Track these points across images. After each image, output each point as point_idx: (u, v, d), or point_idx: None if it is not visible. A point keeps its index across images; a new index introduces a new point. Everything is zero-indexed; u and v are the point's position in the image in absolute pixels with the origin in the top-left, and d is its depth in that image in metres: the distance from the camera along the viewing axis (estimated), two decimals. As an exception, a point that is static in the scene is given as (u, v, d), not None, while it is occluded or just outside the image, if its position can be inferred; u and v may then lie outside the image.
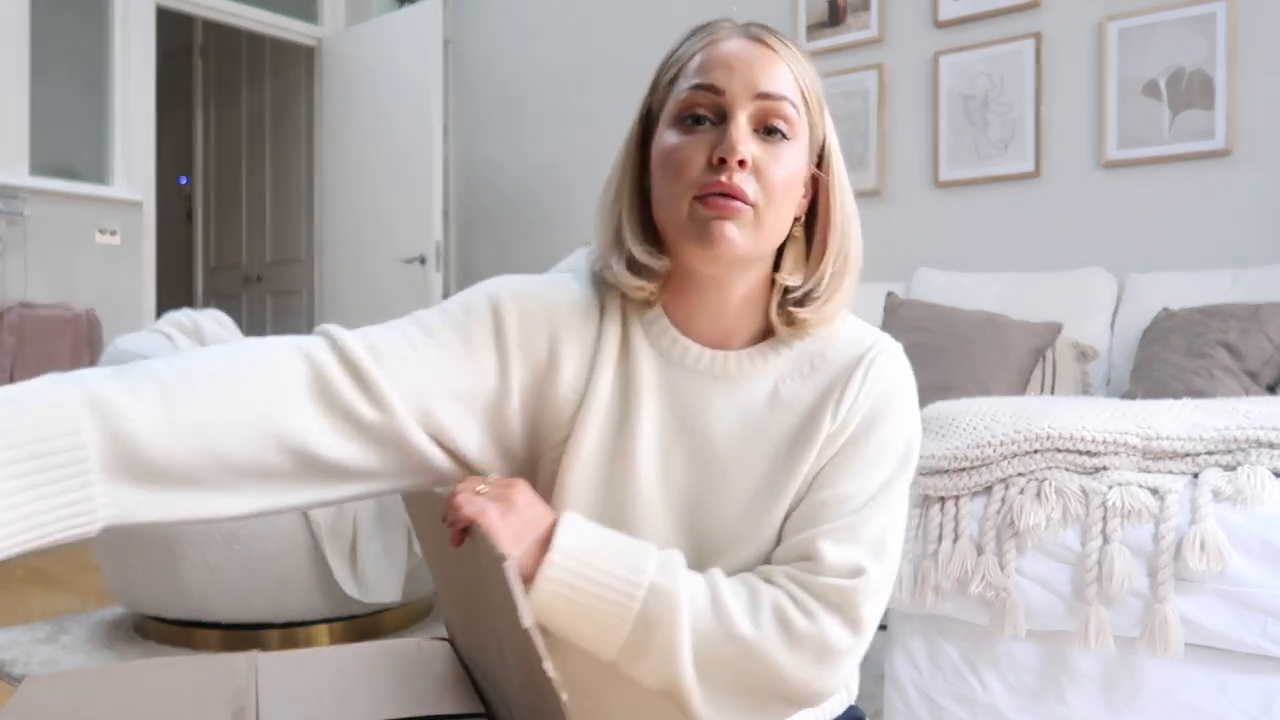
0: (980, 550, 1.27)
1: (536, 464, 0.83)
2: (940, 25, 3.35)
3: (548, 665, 0.61)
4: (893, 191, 3.48)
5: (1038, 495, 1.25)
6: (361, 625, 2.29)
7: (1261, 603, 1.12)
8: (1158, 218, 2.97)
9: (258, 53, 5.21)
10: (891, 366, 0.82)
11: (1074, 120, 3.11)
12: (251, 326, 5.20)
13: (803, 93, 0.78)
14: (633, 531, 0.79)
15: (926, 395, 2.56)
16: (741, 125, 0.75)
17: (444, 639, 1.11)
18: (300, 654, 1.03)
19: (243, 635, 2.19)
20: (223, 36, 5.38)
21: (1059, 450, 1.27)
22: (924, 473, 1.33)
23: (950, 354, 2.69)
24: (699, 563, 0.80)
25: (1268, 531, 1.13)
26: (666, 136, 0.77)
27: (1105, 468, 1.26)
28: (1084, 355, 2.74)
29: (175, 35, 5.44)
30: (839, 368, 0.81)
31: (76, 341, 3.56)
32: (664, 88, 0.80)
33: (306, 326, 4.92)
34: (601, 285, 0.83)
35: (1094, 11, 3.06)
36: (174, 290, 5.46)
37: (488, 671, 0.88)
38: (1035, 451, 1.28)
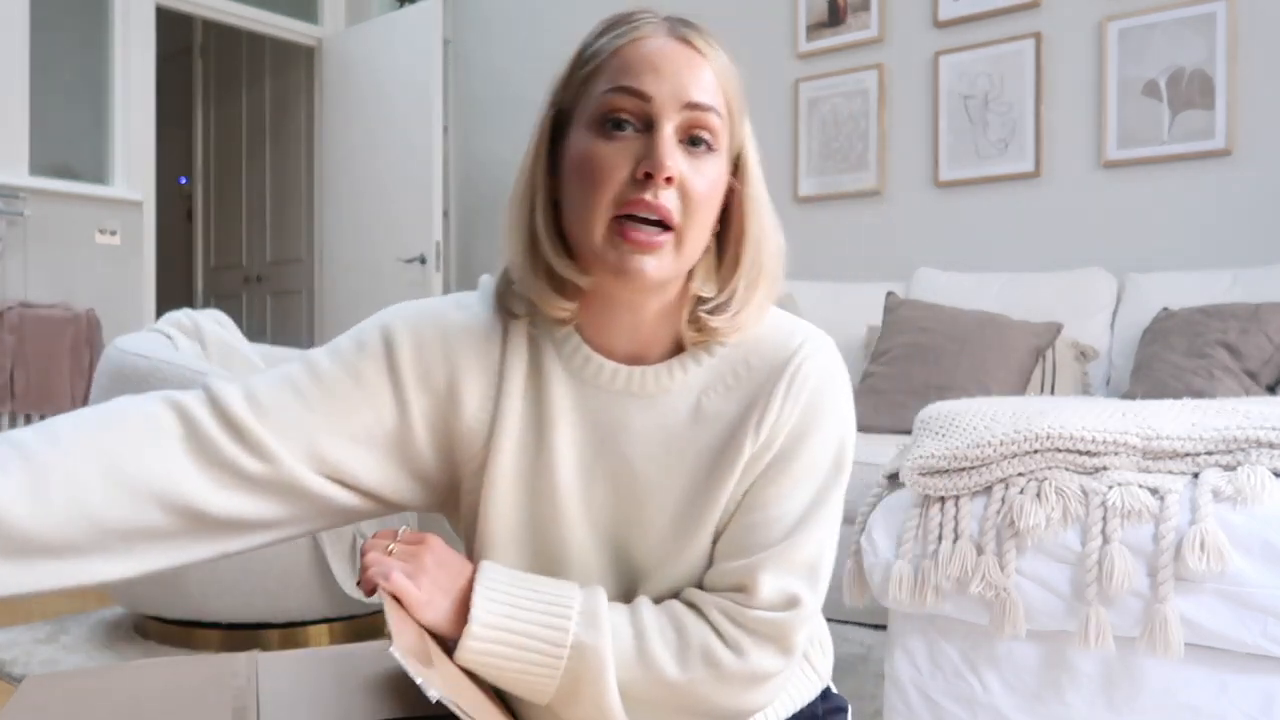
0: (980, 550, 1.27)
1: (458, 490, 0.80)
2: (940, 25, 3.35)
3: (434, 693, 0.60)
4: (893, 191, 3.48)
5: (1038, 495, 1.25)
6: (361, 625, 2.29)
7: (1261, 603, 1.12)
8: (1158, 218, 2.97)
9: (258, 53, 5.21)
10: (818, 371, 0.77)
11: (1074, 120, 3.11)
12: (251, 326, 5.20)
13: (727, 100, 0.73)
14: (558, 558, 0.78)
15: (926, 395, 2.56)
16: (669, 137, 0.69)
17: (444, 639, 1.11)
18: (300, 654, 1.03)
19: (243, 635, 2.19)
20: (223, 36, 5.38)
21: (1059, 450, 1.27)
22: (924, 473, 1.33)
23: (950, 354, 2.69)
24: (627, 586, 0.79)
25: (1268, 531, 1.13)
26: (584, 141, 0.71)
27: (1105, 468, 1.25)
28: (1084, 355, 2.74)
29: (175, 35, 5.44)
30: (763, 377, 0.76)
31: (76, 341, 3.56)
32: (578, 84, 0.73)
33: (307, 326, 4.93)
34: (504, 306, 0.79)
35: (1094, 11, 3.06)
36: (174, 290, 5.46)
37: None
38: (1035, 451, 1.28)
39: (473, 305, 0.80)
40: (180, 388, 2.43)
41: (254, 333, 4.99)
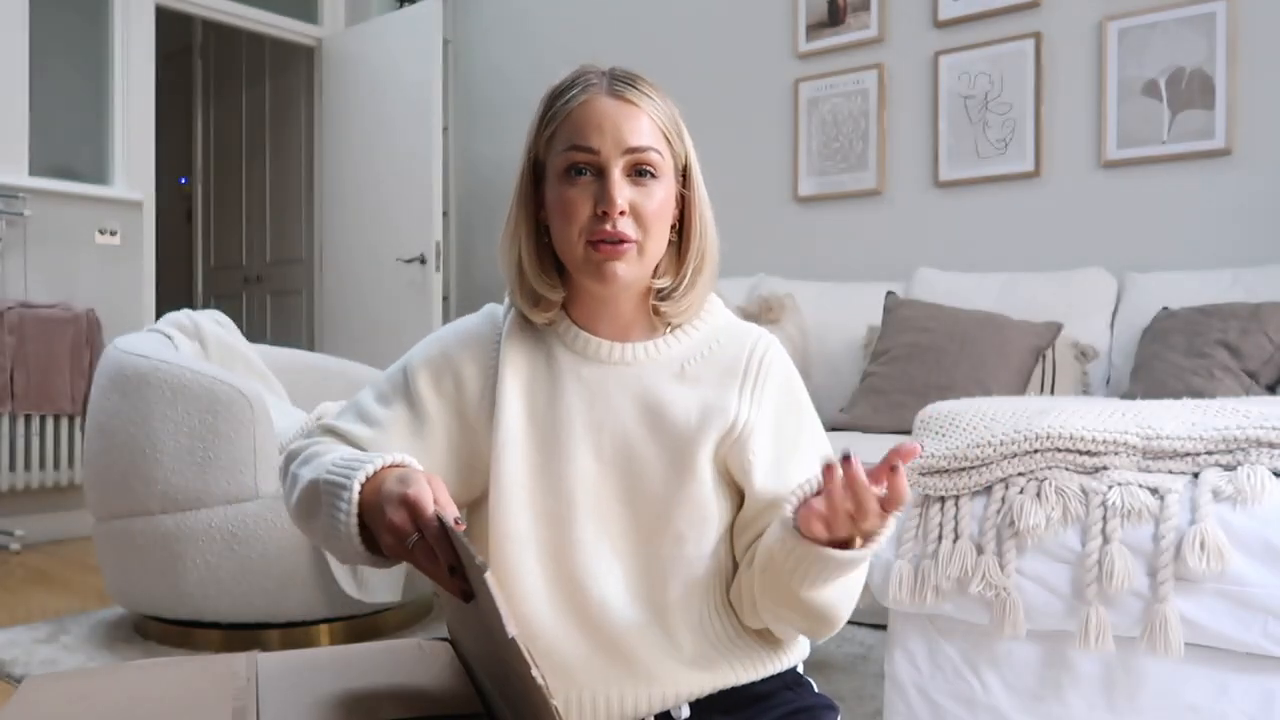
0: (980, 550, 1.27)
1: (484, 477, 0.96)
2: (940, 25, 3.35)
3: (536, 673, 0.61)
4: (893, 191, 3.48)
5: (1038, 495, 1.25)
6: (361, 625, 2.29)
7: (1261, 603, 1.12)
8: (1158, 218, 2.97)
9: (257, 53, 5.21)
10: (779, 356, 0.98)
11: (1074, 120, 3.11)
12: (251, 327, 5.20)
13: (664, 133, 0.92)
14: (569, 497, 0.92)
15: (926, 395, 2.56)
16: (616, 179, 0.88)
17: (444, 639, 1.11)
18: (300, 654, 1.03)
19: (243, 635, 2.19)
20: (223, 36, 5.38)
21: (1059, 450, 1.27)
22: (924, 473, 1.33)
23: (950, 354, 2.69)
24: (638, 519, 0.93)
25: (1268, 531, 1.13)
26: (556, 188, 0.91)
27: (1105, 468, 1.25)
28: (1084, 355, 2.74)
29: (175, 35, 5.44)
30: (734, 350, 0.97)
31: (76, 341, 3.56)
32: (545, 141, 0.93)
33: (306, 326, 4.93)
34: (504, 316, 0.99)
35: (1094, 11, 3.06)
36: (174, 290, 5.46)
37: (489, 671, 0.88)
38: (1035, 451, 1.28)
39: (470, 321, 1.01)
40: (180, 387, 2.42)
41: (254, 333, 5.00)
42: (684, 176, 0.95)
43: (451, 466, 0.97)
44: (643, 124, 0.90)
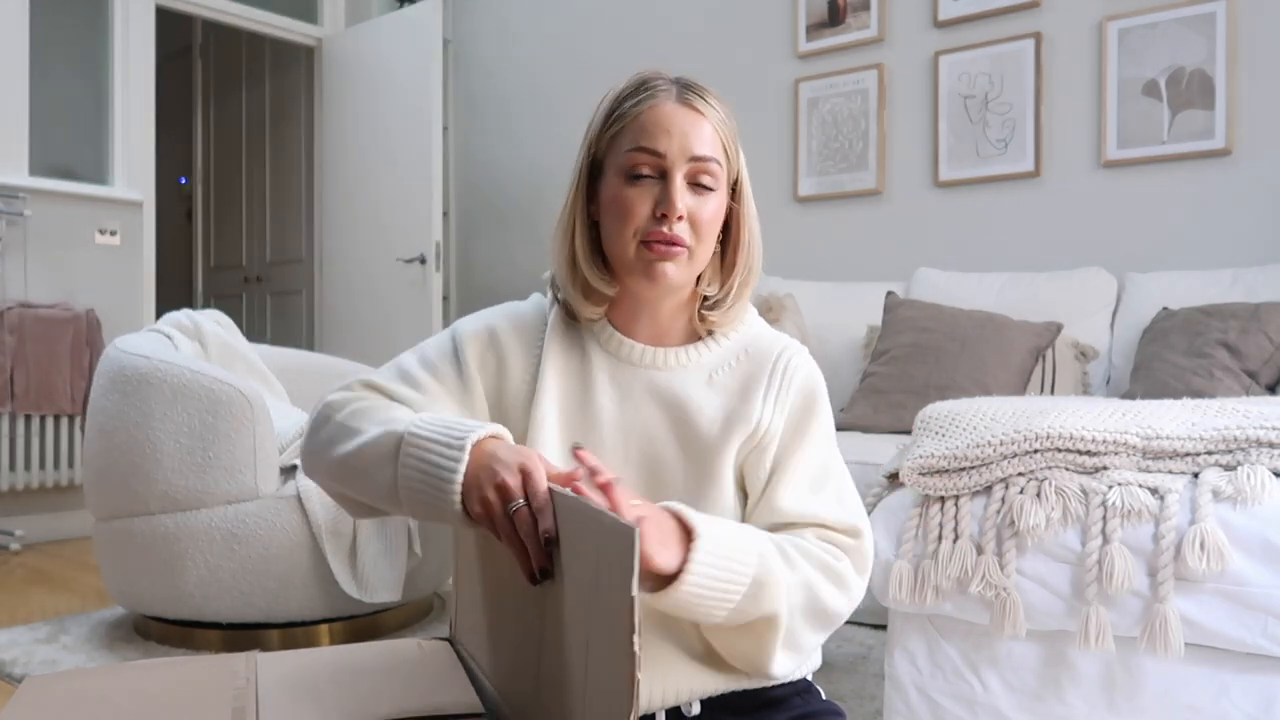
0: (980, 550, 1.27)
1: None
2: (940, 25, 3.35)
3: (636, 639, 0.62)
4: (893, 191, 3.48)
5: (1038, 495, 1.25)
6: (361, 625, 2.29)
7: (1261, 603, 1.12)
8: (1158, 218, 2.97)
9: (257, 53, 5.21)
10: (804, 364, 1.00)
11: (1074, 120, 3.11)
12: (251, 327, 5.20)
13: (724, 146, 0.94)
14: None
15: (926, 395, 2.56)
16: (679, 184, 0.91)
17: (444, 639, 1.11)
18: (300, 654, 1.03)
19: (243, 635, 2.19)
20: (223, 36, 5.38)
21: (1059, 450, 1.27)
22: (924, 473, 1.33)
23: (950, 354, 2.69)
24: None
25: (1268, 531, 1.13)
26: (615, 186, 0.93)
27: (1105, 468, 1.25)
28: (1084, 355, 2.74)
29: (175, 35, 5.44)
30: (760, 360, 0.98)
31: (76, 342, 3.56)
32: (608, 140, 0.94)
33: (306, 326, 4.92)
34: (553, 302, 1.01)
35: (1094, 11, 3.06)
36: (174, 290, 5.46)
37: (509, 664, 0.88)
38: (1035, 451, 1.28)
39: (522, 307, 1.03)
40: (180, 388, 2.42)
41: (254, 333, 5.00)
42: (733, 190, 0.97)
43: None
44: (707, 133, 0.93)
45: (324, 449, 0.93)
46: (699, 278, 0.97)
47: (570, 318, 1.00)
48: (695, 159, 0.91)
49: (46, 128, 3.76)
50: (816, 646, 0.96)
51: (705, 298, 0.98)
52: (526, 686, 0.84)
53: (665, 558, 0.77)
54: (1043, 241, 3.16)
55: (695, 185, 0.92)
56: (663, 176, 0.91)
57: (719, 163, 0.93)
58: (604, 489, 0.74)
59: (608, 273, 0.96)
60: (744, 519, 0.97)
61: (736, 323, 1.00)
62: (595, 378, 0.98)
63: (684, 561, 0.78)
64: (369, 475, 0.88)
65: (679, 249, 0.91)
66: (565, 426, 0.97)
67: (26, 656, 2.17)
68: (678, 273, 0.92)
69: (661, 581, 0.78)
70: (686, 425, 0.95)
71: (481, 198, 4.75)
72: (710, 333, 0.99)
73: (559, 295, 1.01)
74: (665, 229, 0.90)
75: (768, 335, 1.02)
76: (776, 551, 0.87)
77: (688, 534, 0.80)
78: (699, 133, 0.92)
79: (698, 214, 0.92)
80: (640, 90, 0.94)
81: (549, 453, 0.94)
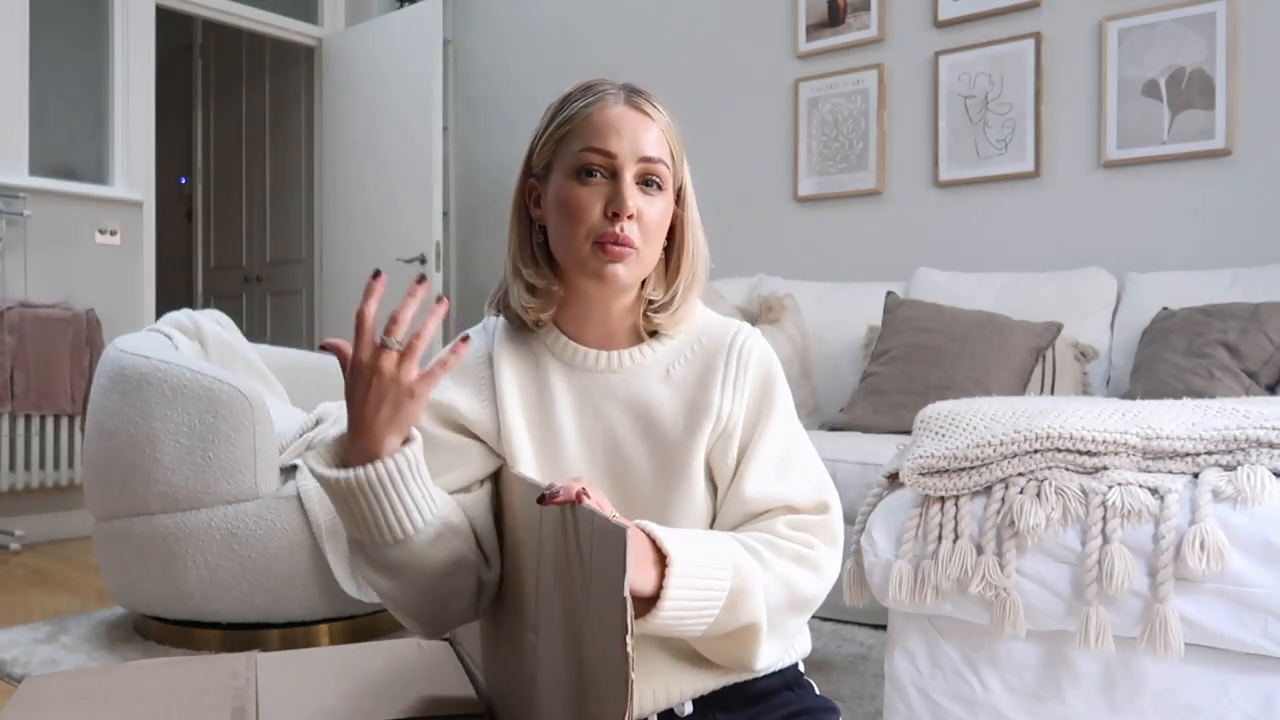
0: (980, 550, 1.26)
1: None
2: (940, 25, 3.35)
3: (629, 641, 0.62)
4: (893, 191, 3.48)
5: (1038, 495, 1.25)
6: (361, 625, 2.29)
7: (1261, 603, 1.12)
8: (1158, 218, 2.97)
9: (257, 53, 5.21)
10: (758, 347, 1.00)
11: (1074, 120, 3.11)
12: (251, 327, 5.20)
13: (671, 150, 0.96)
14: None
15: (926, 395, 2.56)
16: (629, 183, 0.92)
17: (444, 639, 1.11)
18: (300, 654, 1.03)
19: (243, 635, 2.19)
20: (223, 36, 5.38)
21: (1059, 450, 1.27)
22: (924, 473, 1.33)
23: (950, 354, 2.69)
24: (630, 516, 0.93)
25: (1268, 531, 1.13)
26: (565, 187, 0.93)
27: (1105, 468, 1.25)
28: (1084, 355, 2.74)
29: (175, 35, 5.43)
30: (714, 349, 0.99)
31: (76, 341, 3.56)
32: (556, 141, 0.95)
33: (306, 326, 4.92)
34: (491, 332, 1.02)
35: (1094, 11, 3.06)
36: (174, 290, 5.46)
37: (507, 664, 0.88)
38: (1035, 451, 1.28)
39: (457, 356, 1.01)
40: (180, 387, 2.42)
41: (254, 333, 5.00)
42: (678, 197, 0.99)
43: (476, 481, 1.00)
44: (655, 135, 0.94)
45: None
46: (644, 281, 0.99)
47: (518, 327, 1.01)
48: (645, 159, 0.93)
49: (46, 127, 3.76)
50: (801, 629, 0.97)
51: (650, 301, 0.99)
52: (524, 687, 0.84)
53: (640, 581, 0.77)
54: (1043, 241, 3.16)
55: (644, 185, 0.94)
56: (613, 176, 0.92)
57: (666, 165, 0.95)
58: (580, 497, 0.76)
59: (553, 274, 0.98)
60: (715, 510, 0.98)
61: (682, 324, 1.00)
62: (552, 386, 0.98)
63: (660, 587, 0.79)
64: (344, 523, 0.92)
65: (629, 250, 0.91)
66: (531, 433, 0.98)
67: (26, 656, 2.17)
68: (628, 274, 0.93)
69: (639, 605, 0.79)
70: (650, 424, 0.96)
71: (481, 198, 4.75)
72: (655, 333, 1.00)
73: (501, 306, 1.02)
74: (616, 229, 0.91)
75: (717, 323, 1.02)
76: (749, 555, 0.88)
77: (661, 557, 0.80)
78: (648, 134, 0.93)
79: (646, 214, 0.93)
80: (588, 93, 0.96)
81: (524, 460, 0.96)
